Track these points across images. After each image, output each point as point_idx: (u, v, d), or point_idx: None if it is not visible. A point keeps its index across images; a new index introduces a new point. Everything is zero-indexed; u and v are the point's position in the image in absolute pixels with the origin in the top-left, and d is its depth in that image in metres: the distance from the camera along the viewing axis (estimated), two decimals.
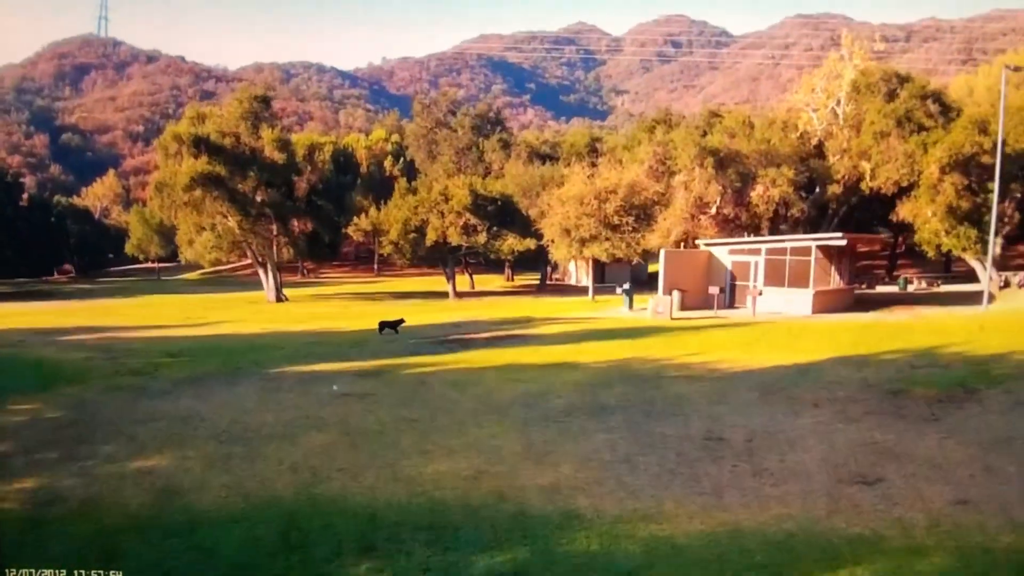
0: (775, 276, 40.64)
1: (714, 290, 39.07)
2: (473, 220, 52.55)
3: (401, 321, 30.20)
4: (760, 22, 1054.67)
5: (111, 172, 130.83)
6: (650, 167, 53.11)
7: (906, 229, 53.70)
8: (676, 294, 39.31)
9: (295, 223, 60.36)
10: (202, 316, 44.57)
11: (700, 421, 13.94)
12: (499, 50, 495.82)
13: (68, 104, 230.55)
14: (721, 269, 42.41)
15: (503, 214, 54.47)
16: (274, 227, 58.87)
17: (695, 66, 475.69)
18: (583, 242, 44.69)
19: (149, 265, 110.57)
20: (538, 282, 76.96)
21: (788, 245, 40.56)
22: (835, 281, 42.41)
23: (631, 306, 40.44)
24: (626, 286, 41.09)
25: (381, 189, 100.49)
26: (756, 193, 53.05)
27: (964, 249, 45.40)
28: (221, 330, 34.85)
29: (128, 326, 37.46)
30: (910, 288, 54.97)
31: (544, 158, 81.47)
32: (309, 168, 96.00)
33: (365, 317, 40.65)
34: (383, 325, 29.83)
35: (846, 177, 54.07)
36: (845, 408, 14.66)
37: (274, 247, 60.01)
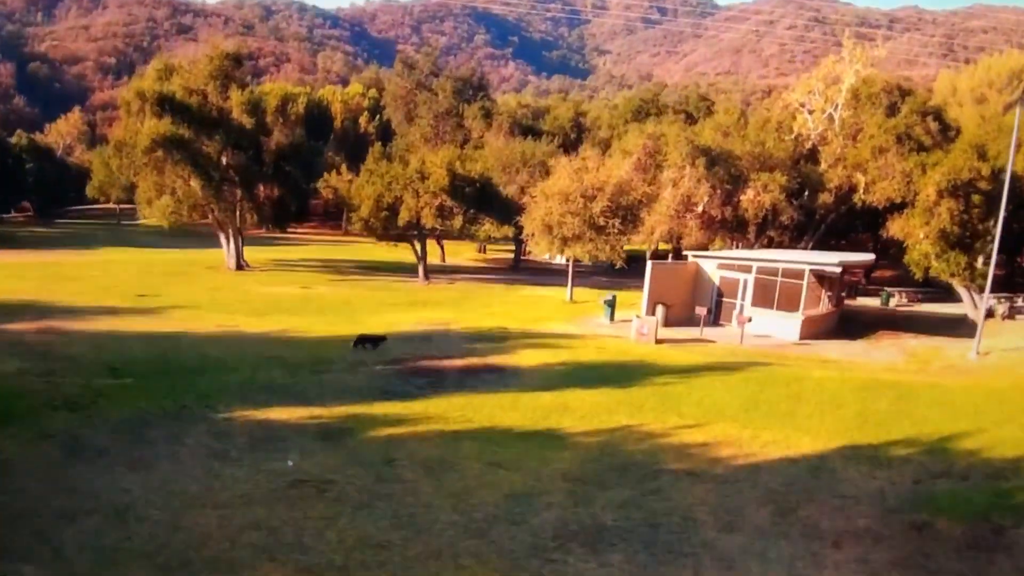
0: (764, 297, 39.10)
1: (701, 310, 37.32)
2: (449, 203, 50.09)
3: (383, 340, 27.78)
4: None
5: (76, 110, 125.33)
6: (638, 159, 51.04)
7: (893, 244, 52.34)
8: (660, 311, 37.64)
9: (261, 188, 57.44)
10: (156, 292, 41.99)
11: (713, 566, 12.13)
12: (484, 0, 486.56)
13: (39, 31, 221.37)
14: (708, 284, 40.66)
15: (481, 197, 52.07)
16: (238, 192, 55.95)
17: (678, 33, 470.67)
18: (565, 240, 42.60)
19: (110, 206, 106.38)
20: (512, 257, 74.78)
21: (780, 266, 38.88)
22: (824, 304, 40.89)
23: (612, 317, 38.57)
24: (609, 297, 39.17)
25: (355, 147, 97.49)
26: (747, 197, 51.39)
27: (953, 275, 44.03)
28: (173, 324, 32.39)
29: (76, 308, 34.87)
30: (892, 303, 53.70)
31: (526, 132, 78.88)
32: (281, 121, 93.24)
33: (330, 312, 38.39)
34: (361, 340, 27.45)
35: (839, 186, 52.53)
36: (868, 553, 12.93)
37: (237, 213, 57.10)
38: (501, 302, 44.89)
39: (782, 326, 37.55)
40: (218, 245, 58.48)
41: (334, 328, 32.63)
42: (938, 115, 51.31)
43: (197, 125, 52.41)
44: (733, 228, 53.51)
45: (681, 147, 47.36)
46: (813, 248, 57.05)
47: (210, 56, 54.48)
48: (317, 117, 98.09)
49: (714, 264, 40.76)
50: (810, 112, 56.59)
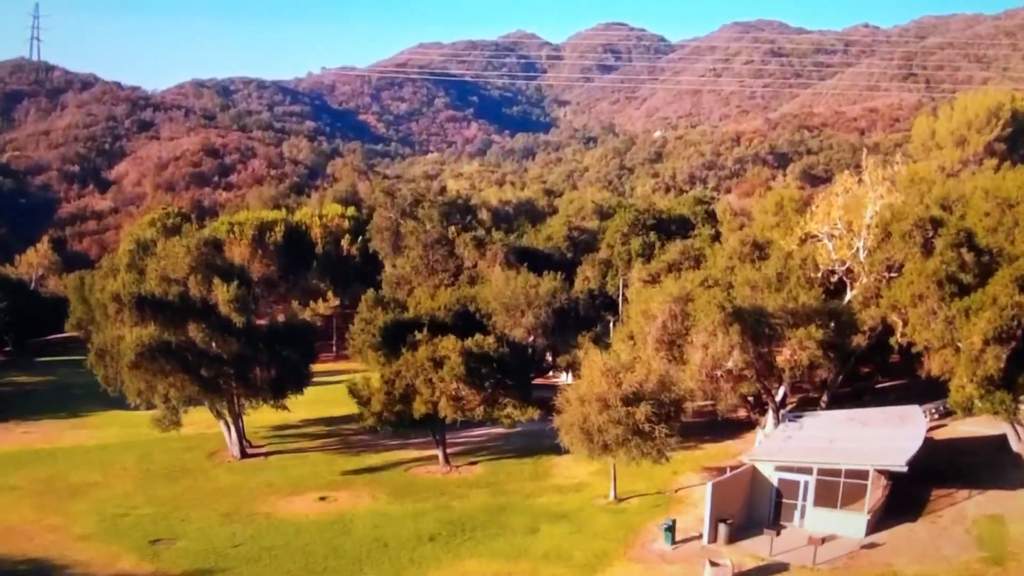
0: (827, 496, 36.69)
1: (770, 533, 34.16)
2: (467, 392, 46.46)
3: None
4: (698, 28, 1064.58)
5: (45, 239, 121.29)
6: (664, 324, 47.88)
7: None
8: (724, 531, 34.87)
9: (257, 371, 53.53)
10: (170, 533, 38.55)
11: None
12: (440, 61, 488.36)
13: (1, 139, 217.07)
14: (766, 486, 37.52)
15: (501, 374, 48.43)
16: (233, 382, 52.14)
17: (636, 75, 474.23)
18: (606, 446, 39.12)
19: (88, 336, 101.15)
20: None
21: (843, 467, 36.15)
22: (883, 490, 37.91)
23: (673, 541, 35.27)
24: (668, 522, 35.77)
25: (339, 269, 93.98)
26: (783, 358, 48.44)
27: (996, 412, 42.10)
28: None
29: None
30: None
31: (522, 257, 75.88)
32: (260, 253, 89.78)
33: (369, 565, 34.43)
34: None
35: (872, 327, 49.73)
36: None
37: (235, 401, 53.21)
38: (543, 513, 41.07)
39: (847, 524, 35.67)
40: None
41: None
42: (970, 237, 48.68)
43: (181, 321, 48.84)
44: (765, 376, 50.63)
45: (712, 314, 44.23)
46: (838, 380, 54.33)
47: (187, 245, 50.72)
48: (297, 242, 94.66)
49: (771, 467, 37.63)
50: (830, 238, 54.01)
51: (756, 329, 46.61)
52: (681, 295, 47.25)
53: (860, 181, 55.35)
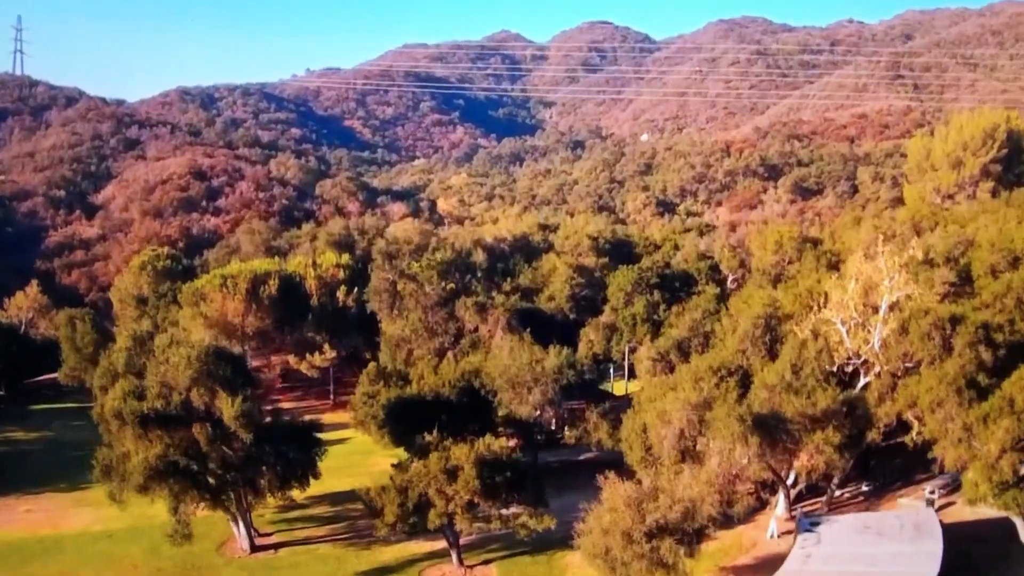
0: None
1: None
2: (482, 503, 45.60)
3: None
4: (683, 25, 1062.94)
5: (34, 283, 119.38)
6: (681, 432, 47.15)
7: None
8: None
9: (263, 471, 52.38)
10: None
11: None
12: (425, 63, 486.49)
13: None
14: None
15: (515, 480, 47.59)
16: (241, 487, 51.14)
17: (621, 75, 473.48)
18: (625, 565, 38.49)
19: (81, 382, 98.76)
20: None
21: None
22: None
23: None
24: None
25: (335, 321, 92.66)
26: (800, 463, 47.89)
27: (1007, 507, 42.06)
28: None
29: None
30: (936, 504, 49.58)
31: (525, 320, 74.88)
32: (255, 307, 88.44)
33: None
34: None
35: (887, 424, 49.08)
36: None
37: (243, 500, 52.07)
38: None
39: None
40: None
41: None
42: (987, 332, 48.07)
43: (185, 428, 47.91)
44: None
45: (732, 427, 43.52)
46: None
47: (187, 357, 49.17)
48: (291, 294, 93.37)
49: None
50: (843, 324, 53.23)
51: (774, 436, 46.06)
52: (699, 402, 46.44)
53: (876, 267, 54.57)
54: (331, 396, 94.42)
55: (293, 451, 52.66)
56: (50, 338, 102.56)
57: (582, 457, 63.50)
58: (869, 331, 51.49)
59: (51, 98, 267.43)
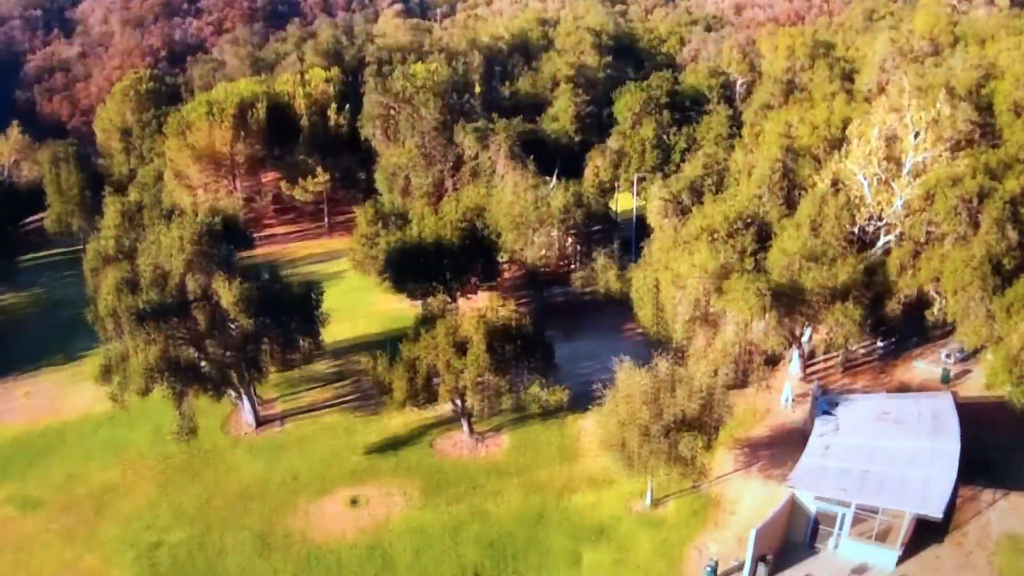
0: (862, 529, 37.52)
1: None
2: (492, 379, 44.90)
3: None
4: None
5: (15, 124, 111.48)
6: (696, 301, 45.80)
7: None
8: (763, 569, 36.34)
9: (264, 349, 50.87)
10: (167, 544, 39.79)
11: None
12: None
13: None
14: (805, 512, 37.82)
15: (524, 348, 46.73)
16: (243, 369, 50.02)
17: None
18: (646, 467, 38.72)
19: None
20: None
21: (881, 505, 36.76)
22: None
23: None
24: (711, 563, 36.49)
25: (327, 144, 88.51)
26: (819, 337, 47.31)
27: None
28: None
29: None
30: (952, 372, 49.68)
31: (528, 148, 71.13)
32: (243, 135, 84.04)
33: None
34: None
35: (907, 297, 47.99)
36: None
37: (246, 378, 50.99)
38: (581, 527, 41.27)
39: (879, 557, 36.92)
40: None
41: None
42: (1016, 212, 45.90)
43: (183, 316, 46.62)
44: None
45: (751, 301, 42.26)
46: None
47: (181, 235, 45.76)
48: (280, 117, 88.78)
49: (812, 495, 37.52)
50: (864, 177, 50.80)
51: (792, 308, 45.05)
52: (716, 271, 44.81)
53: (899, 114, 51.28)
54: (325, 218, 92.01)
55: (295, 321, 50.97)
56: (34, 182, 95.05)
57: (588, 289, 62.23)
58: (892, 191, 49.27)
59: None
